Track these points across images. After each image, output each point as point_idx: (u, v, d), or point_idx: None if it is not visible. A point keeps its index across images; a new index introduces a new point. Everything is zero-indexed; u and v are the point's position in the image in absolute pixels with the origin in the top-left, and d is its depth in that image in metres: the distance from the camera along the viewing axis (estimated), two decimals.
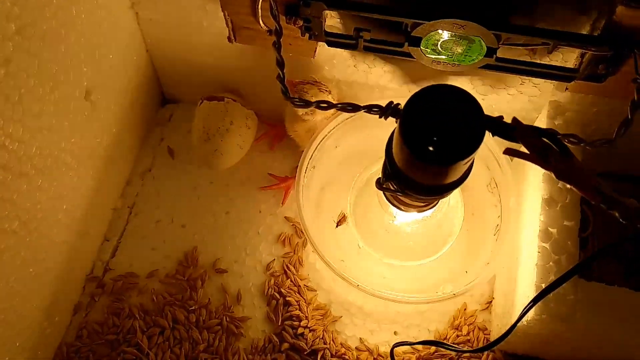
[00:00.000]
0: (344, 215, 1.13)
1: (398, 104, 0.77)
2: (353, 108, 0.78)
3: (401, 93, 1.10)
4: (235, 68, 1.16)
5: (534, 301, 0.73)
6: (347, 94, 1.14)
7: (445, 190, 0.73)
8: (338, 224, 1.13)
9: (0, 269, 0.84)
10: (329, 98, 1.07)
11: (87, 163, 1.04)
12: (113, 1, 1.00)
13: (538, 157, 0.65)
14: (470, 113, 0.65)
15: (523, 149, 0.67)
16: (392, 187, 0.77)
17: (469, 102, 0.66)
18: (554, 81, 0.99)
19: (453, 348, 0.87)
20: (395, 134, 0.71)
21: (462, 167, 0.68)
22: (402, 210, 0.89)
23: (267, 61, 1.10)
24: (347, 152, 1.15)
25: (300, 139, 1.15)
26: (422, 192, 0.74)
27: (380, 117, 0.77)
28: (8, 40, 0.74)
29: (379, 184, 0.79)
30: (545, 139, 0.65)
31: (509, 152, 0.70)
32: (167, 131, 1.29)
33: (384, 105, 0.78)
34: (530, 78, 1.00)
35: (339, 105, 0.80)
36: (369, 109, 0.78)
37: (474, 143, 0.64)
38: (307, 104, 0.80)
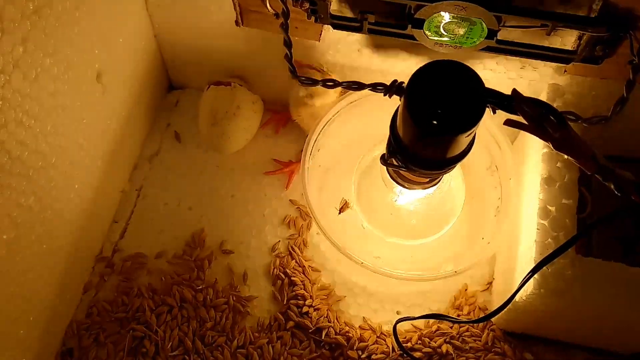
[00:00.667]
0: (346, 201, 1.16)
1: (402, 82, 0.80)
2: (358, 86, 0.81)
3: (404, 77, 1.12)
4: (242, 53, 1.18)
5: (533, 272, 0.76)
6: (351, 79, 1.16)
7: (448, 164, 0.76)
8: (340, 210, 1.15)
9: (17, 243, 0.87)
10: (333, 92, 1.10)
11: (97, 144, 1.06)
12: None
13: (536, 127, 0.68)
14: (471, 86, 0.68)
15: (522, 121, 0.70)
16: (396, 163, 0.80)
17: (470, 75, 0.68)
18: (553, 65, 1.02)
19: (452, 319, 0.90)
20: (399, 110, 0.74)
21: (464, 140, 0.71)
22: (406, 187, 0.91)
23: (273, 46, 1.13)
24: (350, 135, 1.18)
25: (304, 123, 1.18)
26: (426, 167, 0.76)
27: (385, 94, 0.80)
28: (26, 19, 0.77)
29: (384, 159, 0.82)
30: (542, 110, 0.68)
31: (508, 123, 0.73)
32: (173, 116, 1.32)
33: (388, 84, 0.80)
34: (530, 62, 1.03)
35: (344, 83, 0.82)
36: (374, 87, 0.80)
37: (476, 115, 0.67)
38: (313, 82, 0.83)
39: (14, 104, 0.78)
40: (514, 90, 0.69)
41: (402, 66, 1.11)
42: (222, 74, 1.24)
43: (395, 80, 0.79)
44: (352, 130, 1.17)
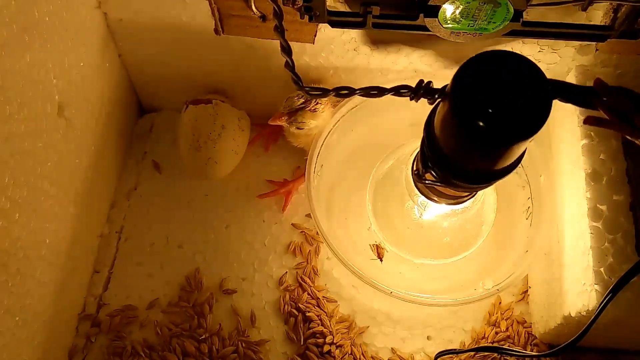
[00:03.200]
0: (377, 245, 1.00)
1: (430, 82, 0.67)
2: (378, 92, 0.68)
3: (406, 75, 1.01)
4: (222, 65, 1.04)
5: (613, 292, 0.64)
6: (347, 81, 1.04)
7: (501, 175, 0.63)
8: (379, 257, 1.00)
9: None
10: (325, 107, 0.98)
11: (67, 188, 0.91)
12: (78, 0, 0.88)
13: (623, 122, 0.56)
14: (533, 79, 0.55)
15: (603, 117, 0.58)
16: (433, 178, 0.67)
17: (529, 67, 0.56)
18: (575, 44, 0.91)
19: (513, 352, 0.78)
20: (439, 112, 0.61)
21: (523, 145, 0.58)
22: (437, 202, 0.79)
23: (257, 54, 1.00)
24: (354, 146, 1.05)
25: (307, 145, 1.05)
26: (473, 180, 0.64)
27: (411, 99, 0.67)
28: None
29: (418, 175, 0.69)
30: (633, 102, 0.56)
31: (590, 121, 0.61)
32: (149, 143, 1.17)
33: (413, 85, 0.68)
34: (549, 43, 0.92)
35: (359, 91, 0.69)
36: (397, 90, 0.67)
37: (542, 114, 0.54)
38: (324, 92, 0.69)
39: None
40: (598, 80, 0.57)
41: (405, 62, 0.98)
42: (200, 90, 1.10)
43: (422, 81, 0.66)
44: (356, 140, 1.04)
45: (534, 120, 0.55)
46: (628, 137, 0.57)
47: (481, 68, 0.56)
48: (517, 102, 0.55)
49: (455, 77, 0.57)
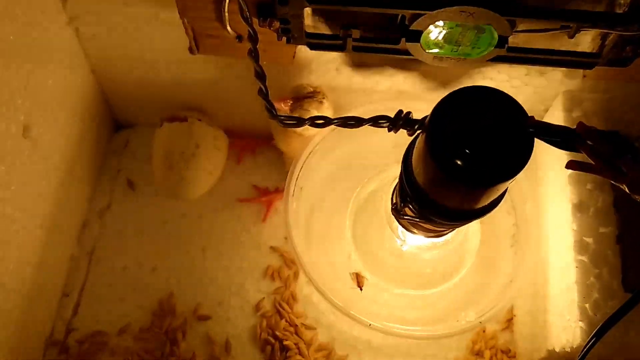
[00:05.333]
0: (357, 274, 0.97)
1: (409, 113, 0.64)
2: (356, 122, 0.65)
3: (390, 95, 0.98)
4: (198, 83, 1.01)
5: (597, 336, 0.61)
6: (329, 100, 1.01)
7: (479, 213, 0.60)
8: (359, 286, 0.96)
9: None
10: (330, 105, 0.94)
11: (33, 211, 0.87)
12: (47, 17, 0.84)
13: (607, 167, 0.53)
14: (513, 119, 0.52)
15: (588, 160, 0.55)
16: (411, 213, 0.64)
17: (510, 104, 0.53)
18: (566, 69, 0.88)
19: None
20: (417, 148, 0.58)
21: (503, 186, 0.55)
22: (416, 234, 0.76)
23: (234, 71, 0.97)
24: (335, 167, 1.02)
25: (296, 153, 1.01)
26: (452, 218, 0.61)
27: (389, 130, 0.64)
28: None
29: (396, 210, 0.66)
30: (616, 145, 0.53)
31: (572, 165, 0.57)
32: (124, 160, 1.13)
33: (391, 115, 0.64)
34: (536, 67, 0.89)
35: (336, 121, 0.66)
36: (375, 121, 0.64)
37: (522, 157, 0.51)
38: (299, 121, 0.66)
39: None
40: (581, 124, 0.54)
41: (388, 83, 0.95)
42: (176, 107, 1.06)
43: (401, 111, 0.63)
44: (337, 161, 1.01)
45: (512, 163, 0.52)
46: (612, 182, 0.54)
47: (460, 105, 0.53)
48: (495, 144, 0.52)
49: (433, 114, 0.54)
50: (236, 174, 1.11)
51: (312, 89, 0.93)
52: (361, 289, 0.93)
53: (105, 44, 0.94)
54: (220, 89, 1.02)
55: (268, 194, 1.08)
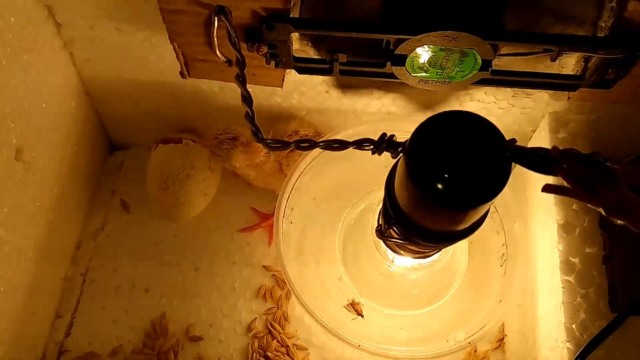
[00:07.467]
0: (352, 302, 0.98)
1: (392, 136, 0.65)
2: (340, 145, 0.66)
3: (379, 117, 0.99)
4: (191, 105, 1.02)
5: (581, 357, 0.62)
6: (320, 122, 1.02)
7: (462, 235, 0.61)
8: (358, 313, 0.97)
9: None
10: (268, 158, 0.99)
11: (25, 233, 0.88)
12: (41, 42, 0.85)
13: (583, 190, 0.54)
14: (491, 143, 0.53)
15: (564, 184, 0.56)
16: (395, 235, 0.65)
17: (489, 131, 0.54)
18: (552, 91, 0.89)
19: None
20: (398, 171, 0.59)
21: (482, 208, 0.56)
22: (403, 255, 0.76)
23: (227, 95, 0.98)
24: (326, 187, 1.03)
25: (265, 182, 1.03)
26: (435, 239, 0.61)
27: (373, 153, 0.65)
28: None
29: (380, 232, 0.67)
30: (593, 169, 0.54)
31: (548, 189, 0.58)
32: (118, 182, 1.14)
33: (375, 138, 0.65)
34: (523, 89, 0.90)
35: (321, 144, 0.67)
36: (359, 144, 0.65)
37: (499, 180, 0.52)
38: (284, 145, 0.67)
39: None
40: (555, 149, 0.55)
41: (377, 105, 0.97)
42: (170, 129, 1.08)
43: (384, 134, 0.64)
44: (328, 182, 1.02)
45: (490, 186, 0.52)
46: (589, 205, 0.54)
47: (439, 129, 0.54)
48: (473, 168, 0.52)
49: (412, 138, 0.55)
50: (229, 194, 1.11)
51: (233, 135, 0.95)
52: (362, 316, 0.93)
53: (100, 67, 0.96)
54: (213, 109, 1.03)
55: (268, 218, 1.09)
